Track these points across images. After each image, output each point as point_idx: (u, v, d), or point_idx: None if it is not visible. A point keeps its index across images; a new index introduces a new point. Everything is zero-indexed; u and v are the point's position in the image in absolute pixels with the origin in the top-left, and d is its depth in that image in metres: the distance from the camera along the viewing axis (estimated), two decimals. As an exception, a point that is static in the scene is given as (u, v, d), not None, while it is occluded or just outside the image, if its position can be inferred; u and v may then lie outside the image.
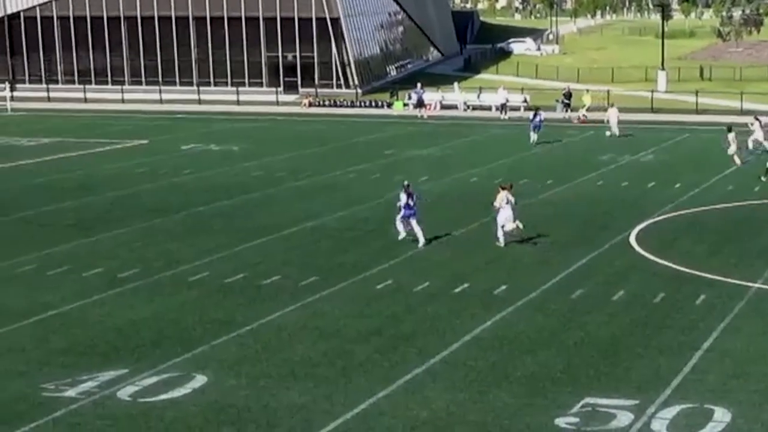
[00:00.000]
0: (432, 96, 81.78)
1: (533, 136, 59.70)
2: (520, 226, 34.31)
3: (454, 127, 70.02)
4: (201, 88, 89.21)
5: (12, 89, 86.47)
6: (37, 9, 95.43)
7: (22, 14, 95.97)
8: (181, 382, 21.76)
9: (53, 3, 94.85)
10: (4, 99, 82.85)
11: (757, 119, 56.44)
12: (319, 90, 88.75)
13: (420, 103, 77.73)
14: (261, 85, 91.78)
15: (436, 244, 34.51)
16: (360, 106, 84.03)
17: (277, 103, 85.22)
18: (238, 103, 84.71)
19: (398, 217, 34.56)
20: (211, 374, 22.25)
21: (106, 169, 51.13)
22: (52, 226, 38.19)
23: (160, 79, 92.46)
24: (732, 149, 51.34)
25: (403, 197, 34.24)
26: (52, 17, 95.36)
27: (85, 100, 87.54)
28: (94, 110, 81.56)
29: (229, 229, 37.24)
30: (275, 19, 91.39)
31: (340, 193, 44.26)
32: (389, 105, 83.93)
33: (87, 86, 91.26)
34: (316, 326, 25.68)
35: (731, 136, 51.49)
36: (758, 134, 54.96)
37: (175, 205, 41.60)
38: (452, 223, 37.27)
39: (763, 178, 46.68)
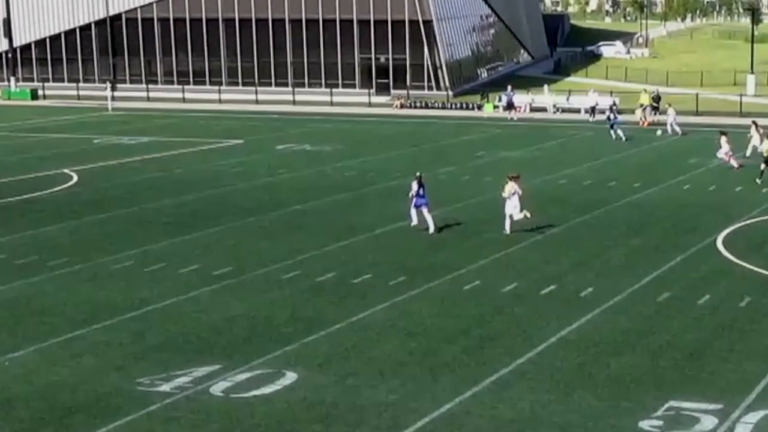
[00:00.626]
0: (522, 98, 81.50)
1: (619, 133, 61.29)
2: (528, 215, 35.19)
3: (543, 130, 69.70)
4: (296, 89, 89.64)
5: (113, 89, 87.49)
6: (138, 11, 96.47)
7: (123, 16, 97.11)
8: (271, 379, 21.90)
9: (154, 5, 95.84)
10: (105, 98, 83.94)
11: (755, 123, 55.97)
12: (410, 92, 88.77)
13: (510, 106, 77.49)
14: (354, 86, 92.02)
15: (526, 246, 34.39)
16: (451, 108, 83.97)
17: (369, 104, 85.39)
18: (331, 104, 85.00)
19: (411, 206, 36.21)
20: (301, 371, 22.35)
21: (203, 168, 51.57)
22: (151, 223, 38.61)
23: (256, 80, 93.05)
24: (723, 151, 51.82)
25: (414, 186, 35.89)
26: (153, 19, 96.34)
27: (184, 100, 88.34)
28: (192, 110, 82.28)
29: (322, 228, 37.38)
30: (369, 21, 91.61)
31: (431, 194, 44.10)
32: (479, 107, 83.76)
33: (185, 87, 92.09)
34: (405, 325, 25.71)
35: (724, 139, 51.62)
36: (756, 140, 53.91)
37: (269, 204, 41.86)
38: (542, 225, 37.08)
39: (758, 180, 46.49)
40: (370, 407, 20.38)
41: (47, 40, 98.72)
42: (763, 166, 46.95)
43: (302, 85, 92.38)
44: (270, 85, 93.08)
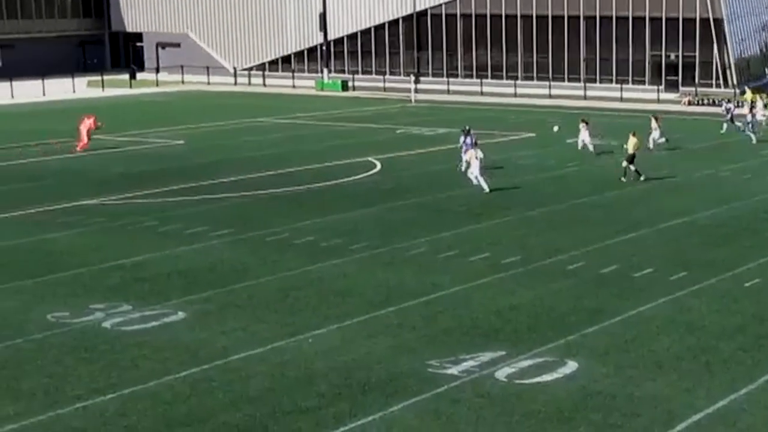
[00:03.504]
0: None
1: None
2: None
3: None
4: (587, 85, 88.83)
5: (416, 82, 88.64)
6: (443, 7, 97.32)
7: (429, 11, 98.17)
8: (553, 367, 21.86)
9: (458, 2, 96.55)
10: (409, 91, 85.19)
11: (655, 118, 55.14)
12: (698, 89, 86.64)
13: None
14: (643, 83, 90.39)
15: (806, 245, 33.16)
16: (737, 106, 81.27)
17: (658, 100, 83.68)
18: (621, 99, 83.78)
19: (462, 153, 44.99)
20: (582, 361, 22.23)
21: (494, 160, 51.58)
22: (445, 211, 39.01)
23: (550, 75, 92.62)
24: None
25: (462, 138, 46.60)
26: (456, 15, 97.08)
27: (481, 94, 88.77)
28: (489, 103, 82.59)
29: (607, 222, 37.00)
30: (660, 19, 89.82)
31: (713, 191, 43.14)
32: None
33: (483, 80, 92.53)
34: (684, 320, 25.21)
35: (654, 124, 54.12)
36: (655, 133, 53.64)
37: (558, 196, 41.66)
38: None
39: (623, 179, 44.58)
40: (646, 399, 20.11)
41: (358, 34, 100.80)
42: (625, 163, 45.34)
43: (593, 80, 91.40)
44: (563, 80, 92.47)
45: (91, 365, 22.30)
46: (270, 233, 35.00)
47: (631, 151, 45.17)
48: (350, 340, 23.83)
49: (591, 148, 52.29)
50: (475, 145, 45.08)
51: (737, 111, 65.39)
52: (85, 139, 55.01)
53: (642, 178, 44.63)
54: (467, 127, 48.19)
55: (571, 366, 21.91)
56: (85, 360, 22.63)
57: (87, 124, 55.43)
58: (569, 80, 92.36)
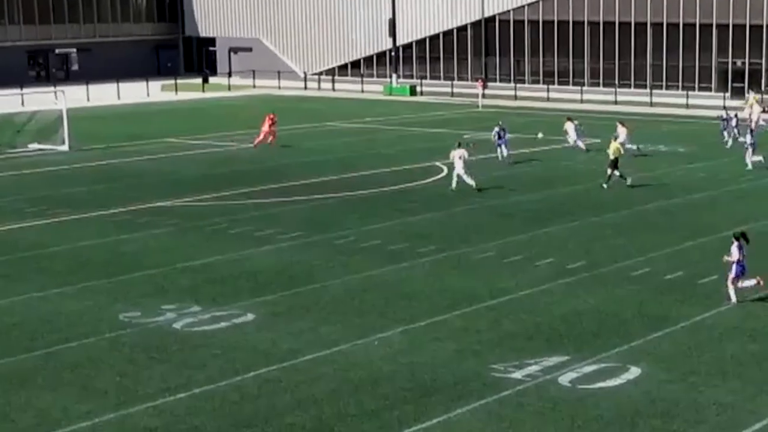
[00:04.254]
0: None
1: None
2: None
3: None
4: (653, 91, 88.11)
5: (484, 87, 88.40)
6: (511, 13, 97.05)
7: (497, 17, 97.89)
8: (616, 373, 21.73)
9: (526, 8, 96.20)
10: (476, 96, 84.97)
11: (622, 123, 53.86)
12: (765, 96, 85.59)
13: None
14: (709, 89, 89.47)
15: None
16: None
17: (724, 108, 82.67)
18: (687, 106, 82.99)
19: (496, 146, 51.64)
20: (645, 367, 22.08)
21: (562, 166, 51.42)
22: (513, 216, 38.89)
23: (616, 81, 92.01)
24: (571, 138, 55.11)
25: (497, 129, 51.80)
26: (523, 21, 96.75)
27: (548, 99, 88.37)
28: (554, 109, 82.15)
29: (672, 228, 36.69)
30: (727, 25, 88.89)
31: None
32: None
33: (550, 86, 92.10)
34: (749, 327, 24.95)
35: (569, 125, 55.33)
36: (622, 138, 51.12)
37: (622, 202, 41.36)
38: None
39: (604, 185, 43.90)
40: (709, 406, 19.93)
41: (427, 39, 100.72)
42: (609, 170, 44.63)
43: (660, 87, 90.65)
44: (629, 86, 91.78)
45: (161, 365, 22.50)
46: (338, 236, 35.10)
47: (612, 156, 44.76)
48: (416, 343, 23.84)
49: (582, 146, 54.23)
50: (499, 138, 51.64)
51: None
52: (261, 135, 57.49)
53: (628, 182, 44.28)
54: (500, 123, 53.25)
55: (635, 372, 21.77)
56: (155, 360, 22.84)
57: (267, 122, 58.08)
58: (635, 87, 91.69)
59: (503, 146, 51.80)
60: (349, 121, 72.15)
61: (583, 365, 22.14)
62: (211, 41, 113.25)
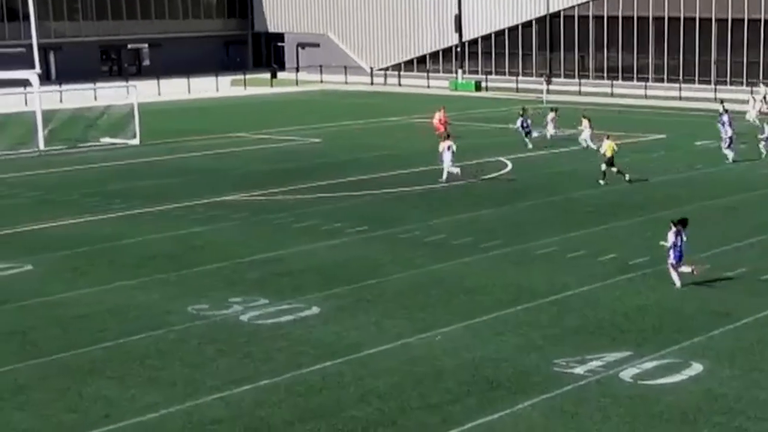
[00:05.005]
0: None
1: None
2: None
3: None
4: (718, 87, 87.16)
5: (548, 83, 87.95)
6: (576, 8, 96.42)
7: (562, 13, 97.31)
8: (678, 369, 21.53)
9: (590, 3, 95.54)
10: (541, 92, 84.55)
11: (586, 117, 54.07)
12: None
13: None
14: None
15: None
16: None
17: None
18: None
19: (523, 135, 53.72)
20: (707, 363, 21.86)
21: (624, 162, 50.86)
22: (575, 211, 38.66)
23: (680, 77, 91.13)
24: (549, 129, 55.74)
25: (519, 120, 54.74)
26: (588, 16, 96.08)
27: (612, 95, 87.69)
28: (618, 105, 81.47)
29: (735, 224, 36.29)
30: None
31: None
32: None
33: (614, 82, 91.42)
34: (811, 325, 24.62)
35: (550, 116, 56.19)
36: (586, 133, 52.08)
37: (687, 198, 40.93)
38: None
39: (601, 182, 43.37)
40: (772, 404, 19.68)
41: (492, 35, 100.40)
42: (604, 166, 43.99)
43: (724, 83, 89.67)
44: (693, 82, 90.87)
45: (228, 357, 22.63)
46: (402, 230, 35.10)
47: (608, 154, 44.28)
48: (478, 337, 23.78)
49: (593, 145, 51.64)
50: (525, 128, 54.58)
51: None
52: (441, 127, 57.45)
53: (626, 178, 43.98)
54: (525, 107, 56.98)
55: (696, 368, 21.56)
56: (222, 352, 22.97)
57: (438, 116, 59.19)
58: (699, 82, 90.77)
59: (532, 133, 54.81)
60: (414, 116, 71.83)
61: (644, 361, 21.96)
62: (280, 37, 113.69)
